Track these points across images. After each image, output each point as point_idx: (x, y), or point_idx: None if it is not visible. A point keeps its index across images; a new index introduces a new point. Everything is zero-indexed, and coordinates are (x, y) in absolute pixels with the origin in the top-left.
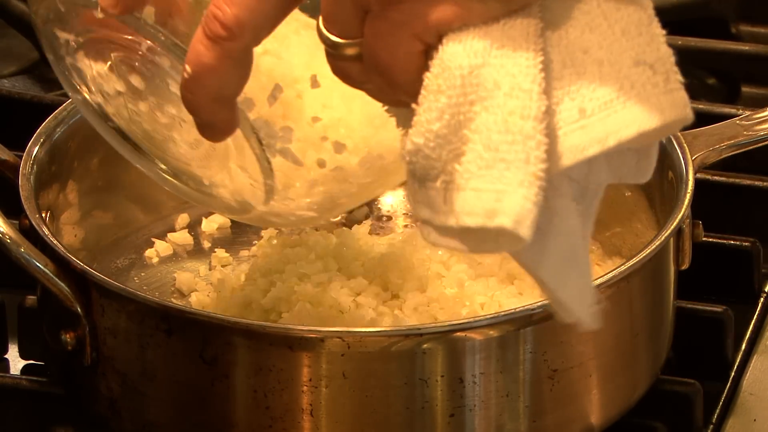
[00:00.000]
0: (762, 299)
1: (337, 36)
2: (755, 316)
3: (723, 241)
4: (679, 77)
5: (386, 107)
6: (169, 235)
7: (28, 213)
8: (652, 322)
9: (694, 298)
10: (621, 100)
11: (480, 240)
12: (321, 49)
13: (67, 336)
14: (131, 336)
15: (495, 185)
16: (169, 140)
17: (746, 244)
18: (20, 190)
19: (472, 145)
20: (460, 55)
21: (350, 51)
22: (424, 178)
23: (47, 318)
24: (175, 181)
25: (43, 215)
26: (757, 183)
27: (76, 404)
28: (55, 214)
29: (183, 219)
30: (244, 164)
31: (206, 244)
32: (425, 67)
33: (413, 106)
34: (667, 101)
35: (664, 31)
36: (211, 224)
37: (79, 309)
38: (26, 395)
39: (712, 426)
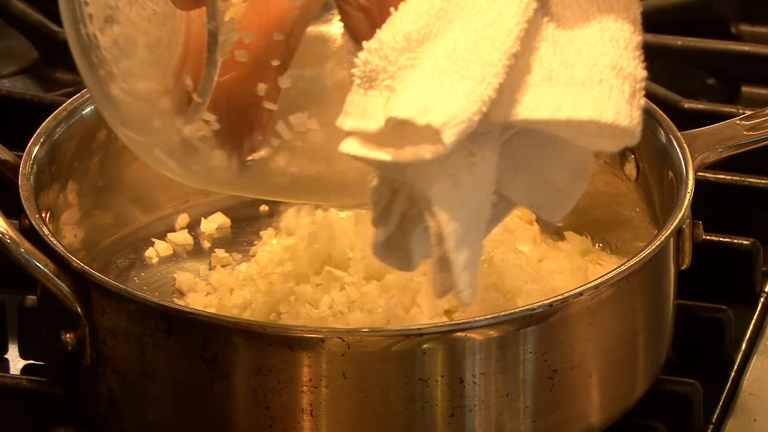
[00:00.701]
0: (762, 299)
1: None
2: (755, 316)
3: (723, 241)
4: (643, 102)
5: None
6: (169, 235)
7: (28, 213)
8: (652, 322)
9: (694, 298)
10: (586, 85)
11: (401, 143)
12: None
13: (67, 336)
14: (131, 336)
15: (440, 91)
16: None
17: (746, 244)
18: (20, 190)
19: (432, 55)
20: None
21: None
22: (369, 82)
23: (47, 318)
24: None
25: (43, 215)
26: (757, 183)
27: (76, 404)
28: (55, 214)
29: (183, 219)
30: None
31: (206, 244)
32: None
33: (391, 9)
34: (626, 110)
35: (643, 58)
36: (211, 224)
37: (79, 309)
38: (26, 395)
39: (712, 426)
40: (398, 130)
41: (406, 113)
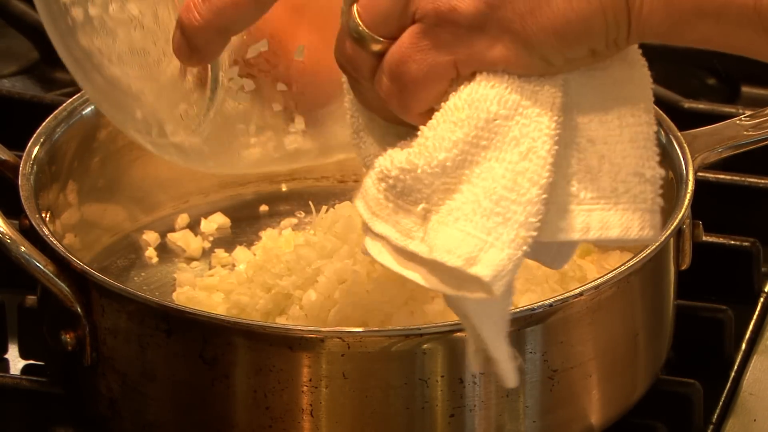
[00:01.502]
0: (762, 299)
1: (367, 28)
2: (755, 316)
3: (723, 241)
4: (661, 201)
5: (350, 121)
6: (169, 235)
7: (28, 213)
8: (652, 322)
9: (694, 298)
10: (612, 200)
11: (444, 276)
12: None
13: (67, 336)
14: (131, 336)
15: (485, 235)
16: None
17: (746, 244)
18: (20, 190)
19: (471, 188)
20: (491, 100)
21: (375, 47)
22: (403, 196)
23: (47, 318)
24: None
25: (43, 215)
26: (757, 183)
27: (76, 404)
28: (55, 214)
29: (183, 219)
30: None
31: (206, 244)
32: (444, 96)
33: (421, 128)
34: (649, 220)
35: (658, 151)
36: (211, 224)
37: (79, 309)
38: (26, 395)
39: (712, 426)
40: (438, 264)
41: (453, 261)
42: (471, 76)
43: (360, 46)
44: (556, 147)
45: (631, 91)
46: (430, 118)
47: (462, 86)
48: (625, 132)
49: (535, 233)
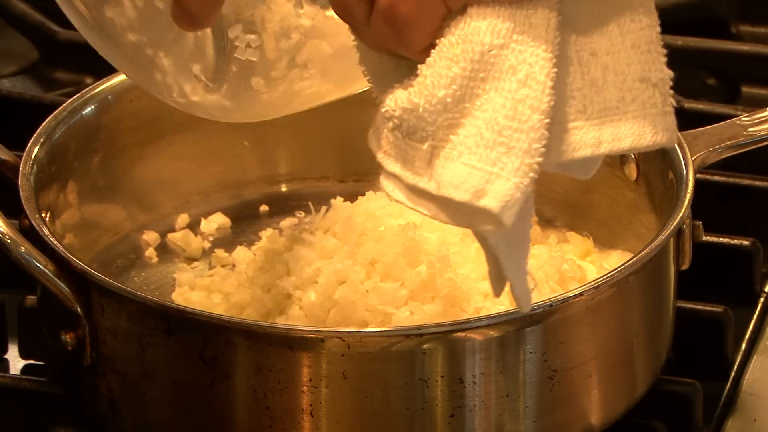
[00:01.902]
0: (762, 299)
1: None
2: (755, 316)
3: (723, 241)
4: (673, 101)
5: (360, 61)
6: (169, 235)
7: (28, 213)
8: (652, 322)
9: (694, 298)
10: (620, 110)
11: (454, 211)
12: None
13: (67, 336)
14: (131, 336)
15: (490, 166)
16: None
17: (746, 244)
18: (20, 190)
19: (473, 121)
20: (484, 32)
21: None
22: (409, 135)
23: (47, 318)
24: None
25: (43, 215)
26: (757, 183)
27: (76, 404)
28: (55, 214)
29: (183, 219)
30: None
31: (206, 244)
32: (439, 31)
33: (419, 67)
34: (661, 123)
35: (665, 51)
36: (211, 224)
37: (79, 309)
38: (26, 395)
39: (712, 426)
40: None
41: (460, 196)
42: (463, 10)
43: None
44: (555, 69)
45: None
46: (419, 68)
47: (454, 21)
48: (627, 38)
49: (540, 159)
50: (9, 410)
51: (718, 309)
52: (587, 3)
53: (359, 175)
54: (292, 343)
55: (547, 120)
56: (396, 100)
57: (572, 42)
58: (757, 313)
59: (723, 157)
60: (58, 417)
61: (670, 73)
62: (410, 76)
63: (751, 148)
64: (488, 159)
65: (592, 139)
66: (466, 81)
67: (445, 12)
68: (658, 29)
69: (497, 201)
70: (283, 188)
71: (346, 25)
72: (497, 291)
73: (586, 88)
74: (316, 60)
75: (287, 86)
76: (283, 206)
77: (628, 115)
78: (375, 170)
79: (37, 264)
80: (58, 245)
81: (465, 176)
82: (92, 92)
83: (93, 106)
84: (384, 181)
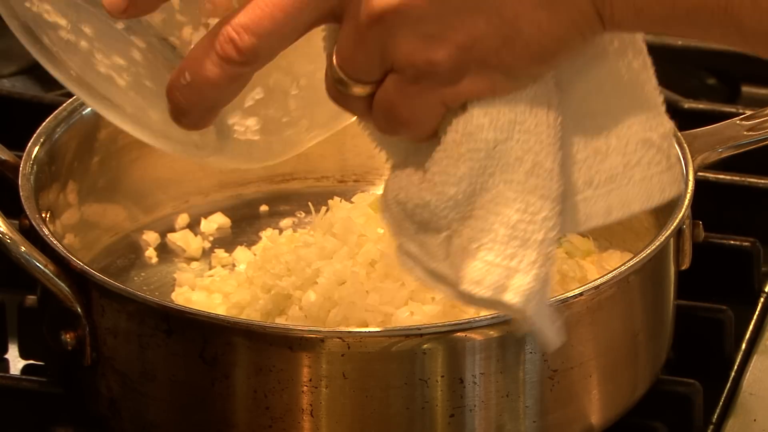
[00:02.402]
0: (762, 299)
1: (347, 76)
2: (755, 316)
3: (723, 241)
4: (677, 151)
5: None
6: (169, 235)
7: (28, 213)
8: (652, 322)
9: (694, 298)
10: (626, 175)
11: (477, 300)
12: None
13: (67, 336)
14: (131, 336)
15: (508, 261)
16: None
17: (746, 244)
18: (20, 190)
19: (486, 215)
20: (487, 129)
21: (359, 91)
22: (424, 226)
23: (47, 318)
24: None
25: (43, 215)
26: (757, 183)
27: (76, 404)
28: (55, 214)
29: (183, 219)
30: None
31: (206, 244)
32: (442, 124)
33: (427, 164)
34: (668, 179)
35: (662, 98)
36: (211, 224)
37: (79, 309)
38: (26, 395)
39: (712, 426)
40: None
41: (482, 293)
42: (463, 106)
43: (345, 89)
44: (561, 152)
45: (620, 58)
46: (426, 167)
47: (456, 117)
48: (624, 97)
49: (555, 245)
50: (9, 410)
51: (718, 309)
52: (580, 67)
53: (359, 175)
54: (292, 343)
55: (558, 207)
56: (407, 194)
57: (572, 109)
58: (757, 313)
59: (723, 157)
60: (58, 417)
61: (671, 125)
62: (415, 153)
63: (751, 148)
64: (505, 254)
65: (602, 208)
66: (475, 178)
67: (445, 111)
68: (652, 70)
69: (518, 296)
70: (283, 188)
71: None
72: (526, 329)
73: (590, 158)
74: (308, 113)
75: (281, 138)
76: (283, 206)
77: (635, 178)
78: (375, 170)
79: (37, 264)
80: (58, 245)
81: (484, 273)
82: None
83: None
84: (402, 258)
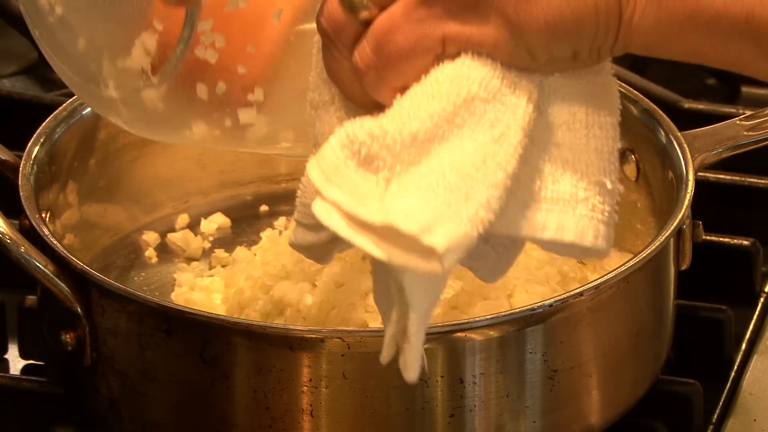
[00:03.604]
0: (762, 299)
1: None
2: (755, 316)
3: (723, 241)
4: (616, 217)
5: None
6: (169, 235)
7: (28, 213)
8: (652, 322)
9: (694, 298)
10: (571, 205)
11: (391, 246)
12: None
13: (67, 336)
14: (131, 336)
15: (445, 207)
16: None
17: (746, 244)
18: (20, 190)
19: (437, 160)
20: (474, 80)
21: (364, 14)
22: (365, 164)
23: (47, 318)
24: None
25: (43, 215)
26: (757, 183)
27: (76, 404)
28: (55, 214)
29: (183, 219)
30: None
31: (206, 244)
32: (421, 74)
33: (397, 96)
34: (604, 233)
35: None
36: (211, 224)
37: (79, 309)
38: (26, 395)
39: (712, 426)
40: (390, 230)
41: (408, 227)
42: (455, 56)
43: (348, 11)
44: (526, 139)
45: (601, 103)
46: (396, 99)
47: (443, 63)
48: (591, 142)
49: (493, 216)
50: (9, 410)
51: (718, 309)
52: (563, 96)
53: None
54: (292, 343)
55: (508, 182)
56: (362, 126)
57: (541, 127)
58: (757, 313)
59: (723, 157)
60: (58, 417)
61: (621, 189)
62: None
63: (751, 148)
64: (445, 199)
65: (538, 221)
66: (443, 121)
67: (440, 52)
68: (619, 145)
69: (444, 241)
70: (283, 188)
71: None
72: (387, 355)
73: (544, 172)
74: (275, 99)
75: (231, 116)
76: (283, 206)
77: (577, 211)
78: None
79: (37, 264)
80: (58, 245)
81: (417, 209)
82: None
83: None
84: (319, 205)
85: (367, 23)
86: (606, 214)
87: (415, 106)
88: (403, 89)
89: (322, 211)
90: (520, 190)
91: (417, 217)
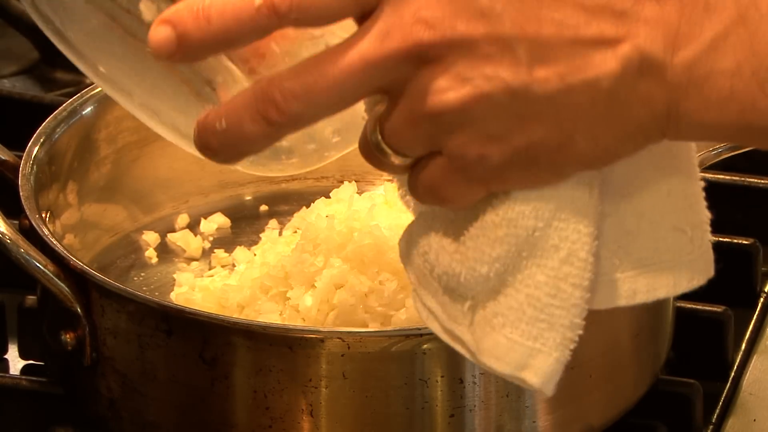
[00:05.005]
0: (762, 299)
1: (388, 146)
2: (755, 316)
3: (723, 241)
4: (711, 237)
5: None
6: (169, 235)
7: (28, 213)
8: (652, 322)
9: (694, 298)
10: (654, 260)
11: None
12: None
13: (67, 336)
14: (131, 336)
15: (531, 342)
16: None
17: (746, 244)
18: (20, 190)
19: (515, 294)
20: (527, 216)
21: (398, 162)
22: (449, 291)
23: (47, 318)
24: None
25: (43, 215)
26: (757, 183)
27: (76, 404)
28: (55, 214)
29: (183, 219)
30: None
31: (206, 244)
32: (481, 202)
33: (461, 238)
34: (698, 266)
35: (703, 191)
36: (211, 224)
37: (79, 309)
38: (26, 395)
39: (712, 426)
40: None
41: (502, 368)
42: (506, 193)
43: (383, 157)
44: (596, 242)
45: (665, 145)
46: (460, 241)
47: (497, 199)
48: (663, 186)
49: (580, 332)
50: (9, 410)
51: (718, 309)
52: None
53: (359, 175)
54: (292, 343)
55: (588, 295)
56: (437, 258)
57: (609, 192)
58: (757, 313)
59: (723, 157)
60: (58, 417)
61: (707, 216)
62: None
63: (751, 148)
64: (530, 334)
65: (627, 291)
66: (510, 260)
67: (487, 194)
68: (700, 182)
69: (538, 377)
70: (283, 188)
71: None
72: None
73: (622, 239)
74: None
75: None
76: (283, 206)
77: (663, 265)
78: (375, 170)
79: (37, 264)
80: (58, 245)
81: (506, 350)
82: (92, 92)
83: (93, 106)
84: (419, 306)
85: (404, 165)
86: (695, 252)
87: (479, 249)
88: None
89: (422, 312)
90: (603, 269)
91: (508, 358)
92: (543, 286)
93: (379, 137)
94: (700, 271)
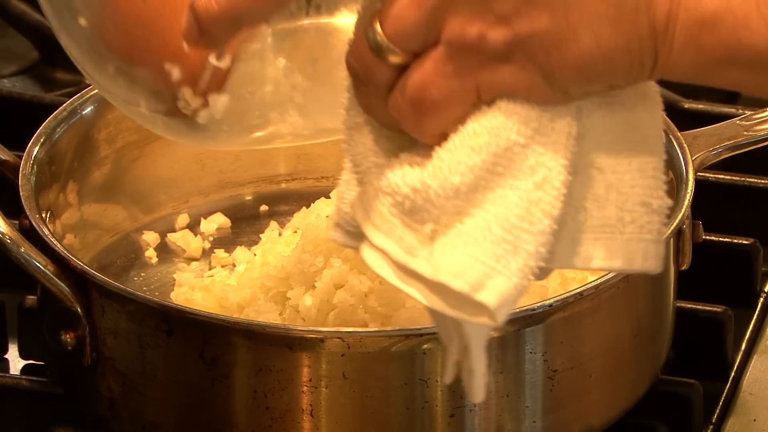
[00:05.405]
0: (762, 299)
1: (389, 40)
2: (755, 316)
3: (723, 241)
4: (666, 231)
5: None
6: (169, 235)
7: (28, 213)
8: (652, 322)
9: (694, 298)
10: (617, 230)
11: (444, 297)
12: None
13: (67, 336)
14: (131, 336)
15: (493, 261)
16: None
17: (746, 244)
18: (20, 190)
19: (482, 213)
20: (511, 128)
21: (394, 60)
22: (410, 216)
23: (47, 318)
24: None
25: (43, 215)
26: (757, 183)
27: (76, 404)
28: (55, 214)
29: (183, 219)
30: None
31: (206, 244)
32: (461, 119)
33: (436, 149)
34: (653, 251)
35: (666, 180)
36: (211, 224)
37: (79, 309)
38: (26, 395)
39: (712, 426)
40: (441, 284)
41: (459, 285)
42: (490, 102)
43: (378, 58)
44: (570, 178)
45: (641, 119)
46: (442, 139)
47: (481, 111)
48: (634, 162)
49: (543, 263)
50: (9, 410)
51: (718, 309)
52: (601, 117)
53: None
54: (292, 343)
55: (555, 227)
56: (404, 178)
57: (582, 154)
58: (757, 313)
59: (723, 157)
60: (58, 417)
61: (669, 202)
62: (394, 144)
63: (751, 148)
64: (493, 254)
65: (584, 252)
66: (484, 172)
67: (475, 101)
68: (665, 157)
69: (495, 298)
70: (283, 188)
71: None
72: (450, 377)
73: (588, 201)
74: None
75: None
76: (283, 206)
77: (624, 236)
78: None
79: (37, 264)
80: (58, 245)
81: (466, 266)
82: (92, 92)
83: (93, 106)
84: (368, 253)
85: (398, 67)
86: (654, 233)
87: (455, 159)
88: (443, 134)
89: (371, 258)
90: (566, 224)
91: (466, 275)
92: (513, 207)
93: (378, 30)
94: (654, 256)
